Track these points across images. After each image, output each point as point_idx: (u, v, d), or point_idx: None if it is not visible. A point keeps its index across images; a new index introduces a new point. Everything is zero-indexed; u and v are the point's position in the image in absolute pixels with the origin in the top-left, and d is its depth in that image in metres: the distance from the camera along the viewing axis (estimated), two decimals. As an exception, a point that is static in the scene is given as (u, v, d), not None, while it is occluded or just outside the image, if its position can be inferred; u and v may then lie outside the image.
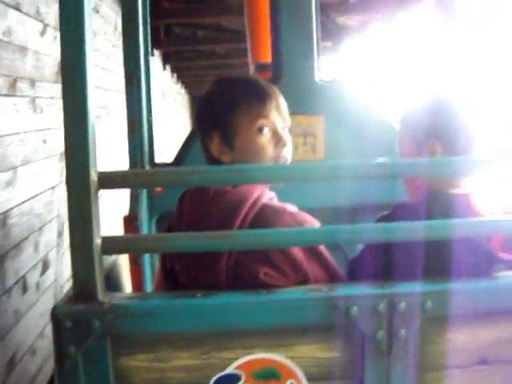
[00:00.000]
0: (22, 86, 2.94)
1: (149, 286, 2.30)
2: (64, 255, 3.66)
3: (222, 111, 1.42)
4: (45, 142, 3.30)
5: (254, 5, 5.85)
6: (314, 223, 1.40)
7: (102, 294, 1.24)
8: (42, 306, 3.15)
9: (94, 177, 1.20)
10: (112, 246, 1.29)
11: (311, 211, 1.46)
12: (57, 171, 3.56)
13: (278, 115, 1.45)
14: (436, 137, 1.48)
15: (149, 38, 2.53)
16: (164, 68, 10.64)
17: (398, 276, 1.31)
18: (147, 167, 2.49)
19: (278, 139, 1.44)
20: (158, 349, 1.25)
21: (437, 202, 1.43)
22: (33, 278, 3.03)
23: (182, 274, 1.42)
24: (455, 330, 1.28)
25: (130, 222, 2.36)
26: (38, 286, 3.11)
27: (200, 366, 1.26)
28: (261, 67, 5.44)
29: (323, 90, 2.42)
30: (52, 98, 3.44)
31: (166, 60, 10.73)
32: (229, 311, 1.25)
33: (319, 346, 1.27)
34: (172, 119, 12.98)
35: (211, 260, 1.33)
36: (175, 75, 13.59)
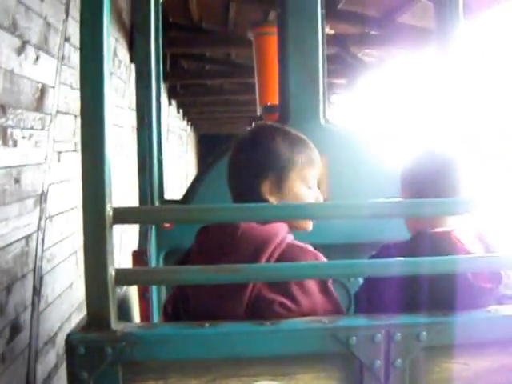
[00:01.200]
0: (-11, 112, 2.60)
1: (155, 318, 2.48)
2: (42, 314, 3.30)
3: (280, 161, 1.64)
4: (17, 181, 2.89)
5: (262, 48, 6.37)
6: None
7: (114, 323, 1.36)
8: (8, 380, 2.78)
9: (109, 212, 1.34)
10: (125, 277, 1.44)
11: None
12: (33, 216, 3.15)
13: (317, 175, 1.73)
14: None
15: (161, 79, 2.73)
16: (169, 103, 10.46)
17: (398, 308, 1.48)
18: (157, 204, 2.67)
19: (316, 196, 1.70)
20: (167, 376, 1.38)
21: (422, 241, 1.64)
22: (-3, 348, 2.67)
23: (195, 306, 1.55)
24: (449, 359, 1.41)
25: (140, 256, 2.54)
26: (3, 356, 2.72)
27: None
28: (268, 109, 5.77)
29: (328, 133, 2.62)
30: (30, 128, 3.06)
31: (171, 95, 10.59)
32: (235, 340, 1.38)
33: (320, 375, 1.40)
34: (177, 158, 12.74)
35: (234, 291, 1.48)
36: (181, 111, 13.43)
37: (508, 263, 1.50)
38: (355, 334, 1.37)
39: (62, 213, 3.65)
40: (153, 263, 2.60)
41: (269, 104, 5.91)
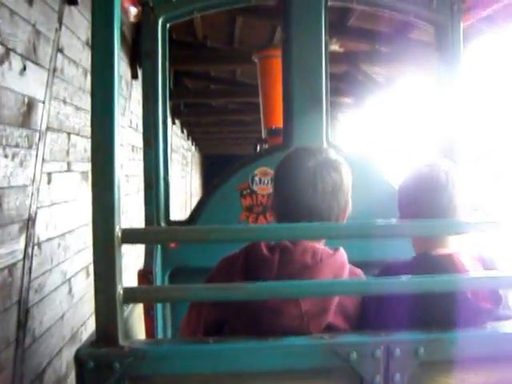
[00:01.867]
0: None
1: (160, 335, 2.57)
2: (28, 350, 3.08)
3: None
4: (-1, 205, 2.73)
5: (267, 71, 6.50)
6: None
7: (122, 339, 1.46)
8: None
9: (118, 232, 1.43)
10: (133, 295, 1.53)
11: None
12: (19, 244, 2.92)
13: None
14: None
15: (167, 102, 2.85)
16: (173, 122, 10.36)
17: (394, 325, 1.56)
18: (162, 224, 2.77)
19: None
20: None
21: (424, 261, 1.73)
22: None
23: (251, 324, 1.63)
24: (446, 374, 1.49)
25: (145, 275, 2.63)
26: (-19, 399, 2.67)
27: None
28: (273, 132, 5.98)
29: None
30: (15, 146, 2.81)
31: (175, 114, 10.54)
32: (239, 356, 1.48)
33: (322, 390, 1.55)
34: (180, 178, 12.56)
35: (285, 308, 1.60)
36: (185, 131, 13.32)
37: (506, 283, 1.62)
38: (356, 350, 1.47)
39: (52, 238, 3.50)
40: (158, 282, 2.71)
41: (273, 127, 6.07)
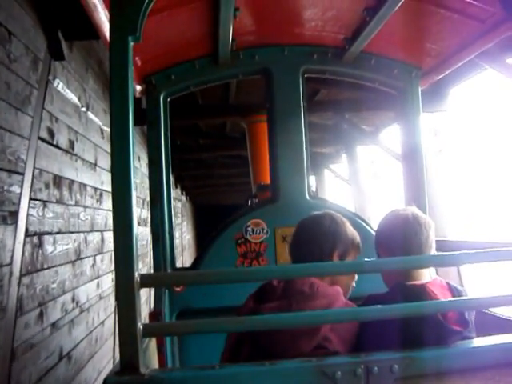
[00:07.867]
0: None
1: (170, 365, 2.86)
2: None
3: (346, 242, 2.25)
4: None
5: (255, 134, 7.20)
6: None
7: (142, 368, 1.69)
8: None
9: (137, 278, 1.69)
10: (151, 330, 1.83)
11: None
12: None
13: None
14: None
15: (170, 165, 3.21)
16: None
17: (379, 347, 1.81)
18: (169, 271, 3.09)
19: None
20: None
21: (400, 291, 2.01)
22: None
23: (269, 347, 1.93)
24: None
25: (156, 316, 2.91)
26: None
27: None
28: (261, 188, 6.45)
29: (313, 206, 3.09)
30: None
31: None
32: (241, 379, 1.72)
33: (311, 405, 1.74)
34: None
35: (307, 334, 1.90)
36: (171, 177, 12.94)
37: (468, 306, 1.94)
38: (340, 370, 1.71)
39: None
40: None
41: (262, 183, 6.61)
